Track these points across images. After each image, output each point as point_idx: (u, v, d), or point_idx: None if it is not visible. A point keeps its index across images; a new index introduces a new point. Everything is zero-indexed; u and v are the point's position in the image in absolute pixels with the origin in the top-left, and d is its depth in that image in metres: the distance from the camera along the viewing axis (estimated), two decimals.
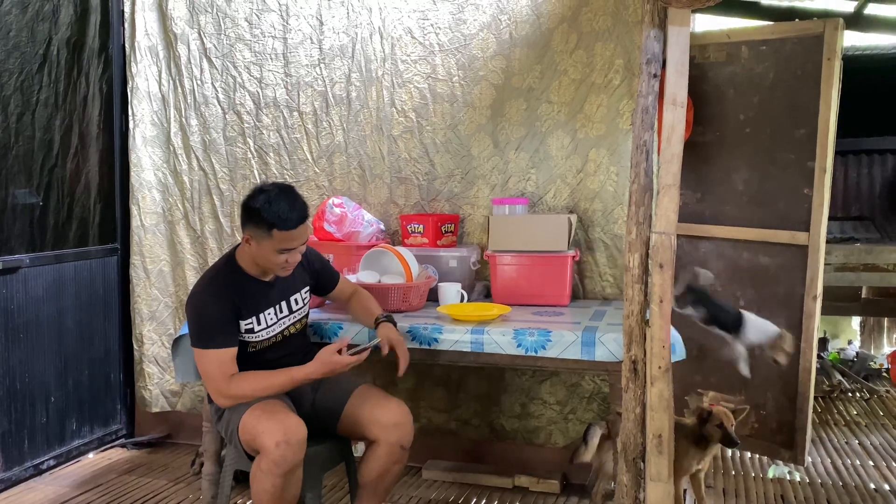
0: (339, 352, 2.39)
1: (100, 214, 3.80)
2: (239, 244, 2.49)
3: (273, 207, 2.33)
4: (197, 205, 3.76)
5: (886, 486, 3.31)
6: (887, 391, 4.93)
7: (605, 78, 3.19)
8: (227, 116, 3.69)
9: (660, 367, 2.16)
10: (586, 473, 3.17)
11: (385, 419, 2.48)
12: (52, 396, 3.49)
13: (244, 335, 2.46)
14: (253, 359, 2.49)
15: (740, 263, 3.46)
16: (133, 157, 3.76)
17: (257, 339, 2.49)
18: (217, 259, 2.63)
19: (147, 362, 3.84)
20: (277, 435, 2.24)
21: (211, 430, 2.93)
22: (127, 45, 3.76)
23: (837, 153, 4.89)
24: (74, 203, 3.67)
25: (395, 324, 2.64)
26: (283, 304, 2.56)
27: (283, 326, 2.56)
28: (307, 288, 2.67)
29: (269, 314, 2.51)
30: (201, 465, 3.06)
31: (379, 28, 3.46)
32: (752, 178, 3.42)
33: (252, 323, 2.46)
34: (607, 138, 3.20)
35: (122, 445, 3.86)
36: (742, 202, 3.44)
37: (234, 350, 2.40)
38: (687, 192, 3.49)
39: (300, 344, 2.65)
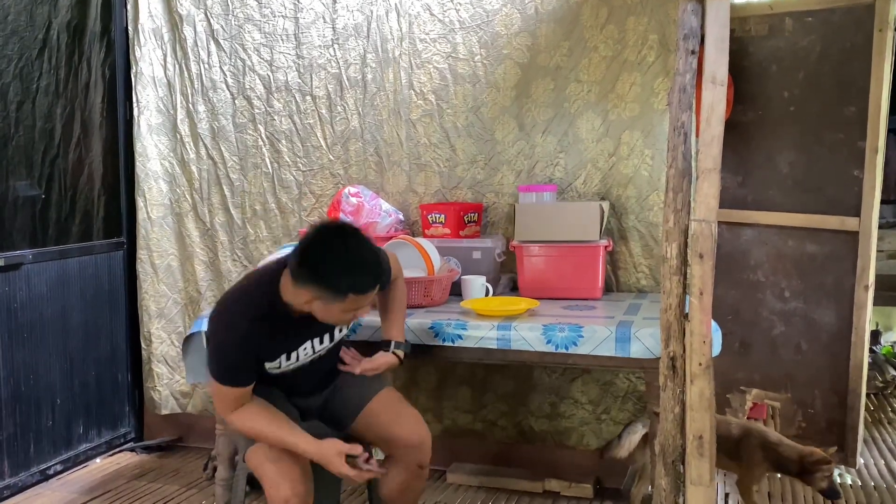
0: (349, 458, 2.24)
1: (104, 207, 3.84)
2: (282, 271, 2.22)
3: (353, 272, 2.11)
4: (206, 196, 3.78)
5: None
6: None
7: (639, 55, 3.16)
8: (236, 102, 3.71)
9: (700, 364, 2.14)
10: (621, 477, 3.18)
11: (402, 439, 2.43)
12: (57, 398, 3.54)
13: (268, 369, 2.30)
14: (275, 382, 2.37)
15: (785, 252, 3.43)
16: (138, 146, 3.79)
17: (283, 370, 2.33)
18: (249, 272, 2.42)
19: (156, 362, 3.88)
20: (284, 490, 2.20)
21: (224, 432, 2.96)
22: (130, 28, 3.79)
23: (890, 131, 4.82)
24: (77, 195, 3.71)
25: (402, 357, 2.55)
26: (327, 335, 2.38)
27: (320, 353, 2.40)
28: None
29: (305, 348, 2.33)
30: (214, 469, 3.10)
31: (395, 5, 3.46)
32: (798, 159, 3.38)
33: (280, 361, 2.30)
34: (641, 119, 3.18)
35: (132, 449, 3.91)
36: (787, 186, 3.41)
37: (251, 386, 2.25)
38: (727, 175, 3.45)
39: (330, 362, 2.51)
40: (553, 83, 3.29)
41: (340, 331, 2.41)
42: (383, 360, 2.52)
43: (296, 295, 2.16)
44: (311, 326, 2.28)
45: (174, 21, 3.75)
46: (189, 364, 3.00)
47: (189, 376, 3.02)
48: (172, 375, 3.89)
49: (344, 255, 2.11)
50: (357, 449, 2.24)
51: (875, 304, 3.51)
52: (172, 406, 3.91)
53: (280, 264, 2.25)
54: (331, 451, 2.21)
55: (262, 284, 2.26)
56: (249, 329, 2.18)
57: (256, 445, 2.30)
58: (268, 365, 2.28)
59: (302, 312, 2.20)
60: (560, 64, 3.27)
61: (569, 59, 3.25)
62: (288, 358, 2.30)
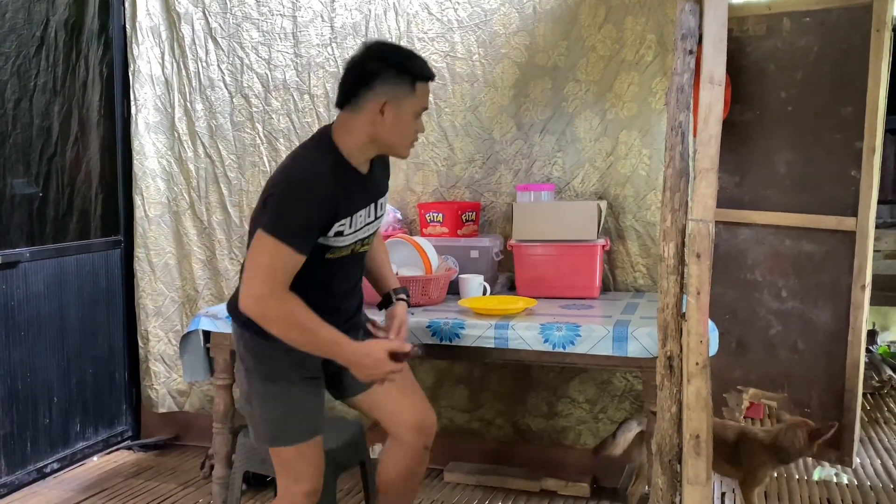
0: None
1: (101, 205, 3.84)
2: (326, 127, 2.19)
3: (408, 54, 2.12)
4: (203, 194, 3.79)
5: None
6: None
7: (637, 54, 3.17)
8: (234, 100, 3.71)
9: (697, 364, 2.15)
10: (618, 476, 3.19)
11: (408, 418, 2.42)
12: (54, 397, 3.54)
13: (331, 239, 2.12)
14: (314, 272, 2.14)
15: (782, 251, 3.44)
16: (136, 145, 3.79)
17: (341, 245, 2.17)
18: (288, 167, 2.17)
19: (153, 360, 3.88)
20: (309, 483, 2.25)
21: (221, 431, 2.97)
22: (128, 26, 3.79)
23: (887, 131, 4.83)
24: (75, 193, 3.71)
25: (409, 302, 2.50)
26: (373, 205, 2.25)
27: (365, 235, 2.25)
28: (387, 193, 2.38)
29: (360, 216, 2.19)
30: (211, 467, 3.11)
31: (394, 4, 3.46)
32: (795, 159, 3.39)
33: (345, 225, 2.13)
34: (639, 119, 3.19)
35: (129, 448, 3.91)
36: (784, 186, 3.41)
37: (304, 260, 2.07)
38: (724, 175, 3.46)
39: (358, 269, 2.37)
40: (551, 82, 3.29)
41: (381, 209, 2.30)
42: (401, 310, 2.42)
43: (358, 124, 2.11)
44: (366, 190, 2.20)
45: (172, 19, 3.75)
46: (186, 362, 3.00)
47: (186, 374, 3.03)
48: (170, 374, 3.89)
49: (396, 45, 2.21)
50: (407, 347, 2.23)
51: (872, 303, 3.53)
52: (169, 404, 3.91)
53: (323, 130, 2.21)
54: (379, 351, 2.16)
55: (314, 140, 2.20)
56: (325, 180, 2.06)
57: (289, 446, 2.25)
58: (336, 227, 2.11)
59: (356, 165, 2.15)
60: (558, 63, 3.27)
61: (567, 59, 3.26)
62: (350, 225, 2.15)
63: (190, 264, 3.83)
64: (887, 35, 3.16)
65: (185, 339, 2.99)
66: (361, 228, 2.21)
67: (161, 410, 3.91)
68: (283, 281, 2.04)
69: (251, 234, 2.13)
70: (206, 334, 2.94)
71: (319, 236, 2.10)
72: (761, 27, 3.40)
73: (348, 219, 2.14)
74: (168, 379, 3.90)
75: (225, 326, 2.88)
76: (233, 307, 2.23)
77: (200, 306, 3.75)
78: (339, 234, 2.13)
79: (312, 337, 2.09)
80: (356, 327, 2.39)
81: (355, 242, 2.22)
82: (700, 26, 2.17)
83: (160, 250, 3.84)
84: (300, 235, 2.04)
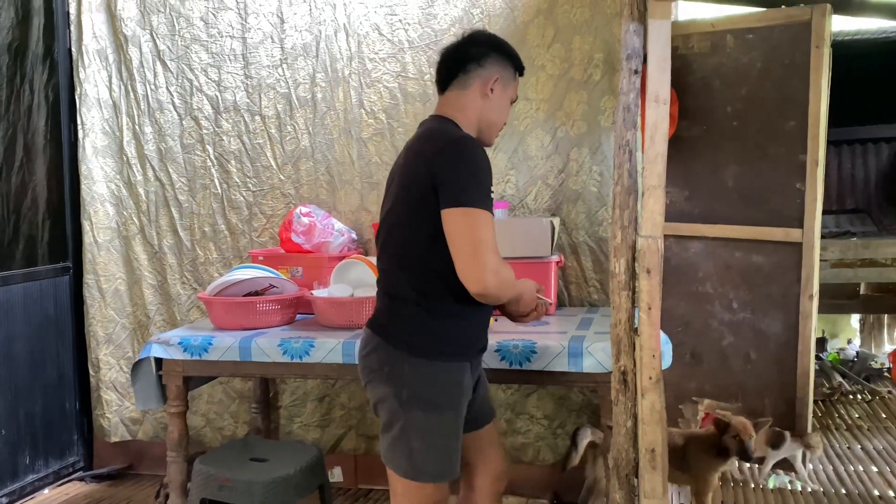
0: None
1: (49, 231, 3.77)
2: (432, 116, 2.16)
3: (510, 45, 2.20)
4: (154, 218, 3.74)
5: (891, 493, 3.36)
6: (889, 392, 5.01)
7: (585, 73, 3.22)
8: (183, 122, 3.68)
9: (650, 378, 2.18)
10: (577, 492, 3.20)
11: (495, 465, 2.35)
12: (1, 429, 3.45)
13: None
14: None
15: (732, 263, 3.51)
16: (83, 169, 3.74)
17: None
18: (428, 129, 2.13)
19: (105, 389, 3.81)
20: None
21: (176, 459, 2.93)
22: (74, 49, 3.74)
23: (830, 143, 4.96)
24: (21, 220, 3.64)
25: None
26: None
27: None
28: None
29: None
30: (166, 496, 3.05)
31: (344, 25, 3.47)
32: (742, 173, 3.46)
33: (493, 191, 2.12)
34: (589, 137, 3.24)
35: (81, 479, 3.82)
36: (732, 199, 3.49)
37: None
38: (674, 189, 3.53)
39: None
40: None
41: None
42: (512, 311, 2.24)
43: (469, 100, 2.12)
44: None
45: (119, 42, 3.71)
46: (139, 390, 2.96)
47: (139, 402, 2.98)
48: (122, 402, 3.82)
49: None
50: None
51: (821, 312, 3.61)
52: (122, 433, 3.84)
53: (432, 117, 2.17)
54: (534, 293, 2.18)
55: (445, 122, 2.13)
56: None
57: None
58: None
59: (474, 136, 2.13)
60: None
61: None
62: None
63: (141, 290, 3.77)
64: (826, 51, 3.26)
65: (137, 366, 2.95)
66: None
67: (114, 439, 3.83)
68: (497, 249, 2.00)
69: (395, 224, 2.08)
70: (159, 361, 2.90)
71: None
72: (706, 44, 3.48)
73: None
74: (120, 407, 3.82)
75: (177, 353, 2.85)
76: (382, 328, 2.10)
77: (152, 332, 3.69)
78: None
79: (517, 284, 2.10)
80: None
81: None
82: (645, 46, 2.22)
83: (110, 276, 3.78)
84: (490, 199, 2.00)
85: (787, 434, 3.33)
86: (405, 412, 2.03)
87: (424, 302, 2.05)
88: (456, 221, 1.93)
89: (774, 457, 3.36)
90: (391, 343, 2.06)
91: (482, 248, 1.92)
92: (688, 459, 2.82)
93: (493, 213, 1.98)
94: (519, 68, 2.21)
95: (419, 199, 2.00)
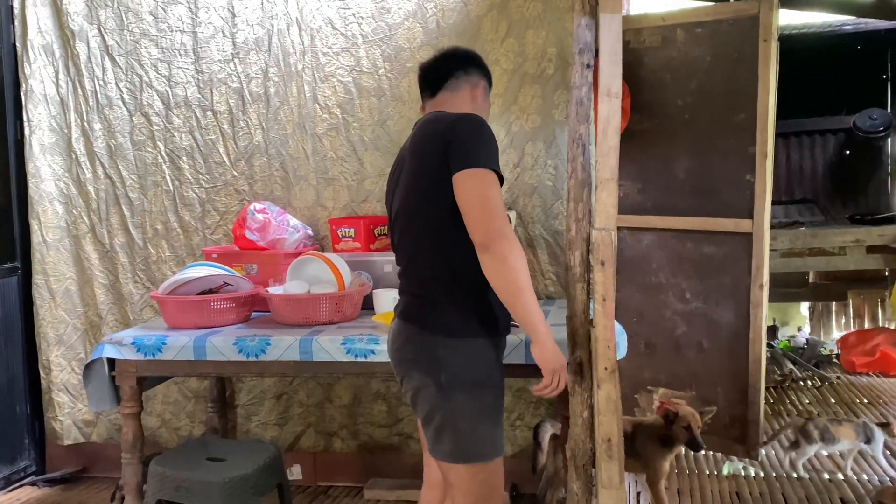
0: None
1: None
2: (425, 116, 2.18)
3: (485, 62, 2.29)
4: (104, 216, 3.67)
5: (840, 476, 3.45)
6: (838, 377, 5.14)
7: (539, 67, 3.24)
8: (133, 119, 3.62)
9: (606, 369, 2.21)
10: (536, 483, 3.23)
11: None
12: None
13: None
14: None
15: (684, 254, 3.56)
16: (30, 167, 3.65)
17: None
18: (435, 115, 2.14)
19: (56, 391, 3.73)
20: (501, 498, 2.13)
21: (131, 461, 2.89)
22: (18, 45, 3.65)
23: (779, 135, 5.07)
24: None
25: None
26: None
27: None
28: None
29: None
30: (122, 499, 3.01)
31: (297, 19, 3.44)
32: (694, 166, 3.52)
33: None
34: (543, 130, 3.25)
35: (33, 483, 3.75)
36: (684, 191, 3.54)
37: None
38: (627, 182, 3.57)
39: None
40: None
41: None
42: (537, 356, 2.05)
43: (460, 101, 2.18)
44: None
45: (66, 37, 3.62)
46: (91, 391, 2.91)
47: (92, 404, 2.94)
48: (74, 404, 3.74)
49: None
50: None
51: (771, 300, 3.69)
52: (75, 436, 3.76)
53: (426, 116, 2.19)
54: (562, 358, 2.02)
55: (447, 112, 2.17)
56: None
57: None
58: None
59: None
60: None
61: None
62: None
63: (92, 289, 3.70)
64: (774, 44, 3.32)
65: (89, 367, 2.89)
66: None
67: (67, 442, 3.76)
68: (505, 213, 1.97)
69: (412, 210, 2.08)
70: (111, 362, 2.85)
71: None
72: (657, 38, 3.52)
73: None
74: (73, 409, 3.75)
75: (130, 353, 2.80)
76: (416, 315, 2.08)
77: (105, 333, 3.63)
78: None
79: (528, 289, 1.95)
80: None
81: None
82: (596, 41, 2.24)
83: (60, 276, 3.70)
84: (497, 164, 2.00)
85: (875, 425, 3.47)
86: (446, 396, 2.02)
87: (457, 278, 2.04)
88: (465, 181, 1.95)
89: (874, 450, 3.47)
90: (427, 329, 2.05)
91: (490, 202, 1.93)
92: (636, 447, 2.87)
93: (502, 178, 1.99)
94: (491, 84, 2.31)
95: (436, 170, 2.00)
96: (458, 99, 2.19)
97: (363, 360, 2.68)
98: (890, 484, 3.33)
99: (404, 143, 2.21)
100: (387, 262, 3.20)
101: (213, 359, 2.76)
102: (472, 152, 1.97)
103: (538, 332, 1.98)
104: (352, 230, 3.27)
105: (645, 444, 2.86)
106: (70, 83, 3.65)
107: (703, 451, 3.00)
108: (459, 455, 2.04)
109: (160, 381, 3.25)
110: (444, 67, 2.22)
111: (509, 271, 1.92)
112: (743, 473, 3.51)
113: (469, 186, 1.95)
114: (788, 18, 5.74)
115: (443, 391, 2.01)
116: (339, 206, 3.49)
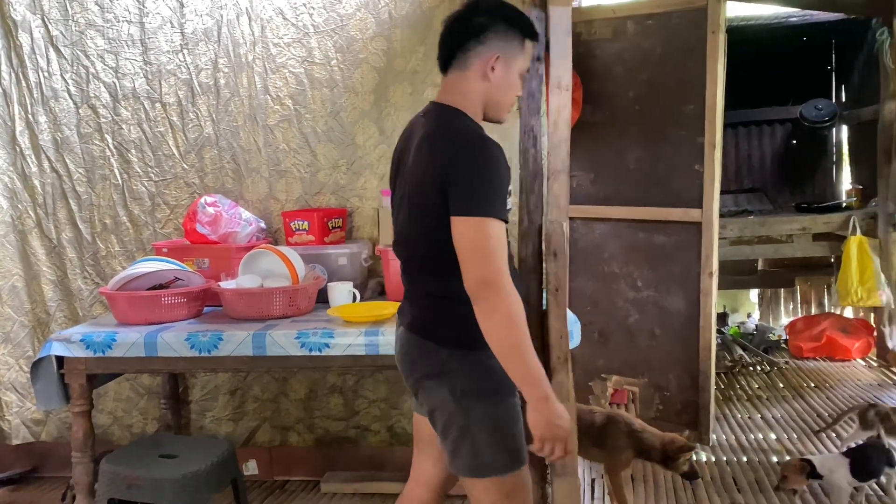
0: None
1: None
2: (432, 103, 2.00)
3: (517, 9, 1.93)
4: (51, 211, 3.59)
5: (788, 458, 3.54)
6: (787, 362, 5.26)
7: None
8: (80, 111, 3.54)
9: (559, 358, 2.23)
10: None
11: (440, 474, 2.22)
12: None
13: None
14: None
15: (636, 244, 3.61)
16: None
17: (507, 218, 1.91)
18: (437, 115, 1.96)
19: (4, 390, 3.64)
20: None
21: (82, 459, 2.85)
22: None
23: (728, 125, 5.16)
24: None
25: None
26: None
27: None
28: None
29: None
30: (73, 498, 2.97)
31: (246, 9, 3.39)
32: (644, 156, 3.57)
33: (510, 191, 1.92)
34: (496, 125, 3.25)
35: None
36: (636, 181, 3.59)
37: None
38: (580, 173, 3.61)
39: None
40: (411, 87, 3.32)
41: None
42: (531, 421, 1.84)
43: (470, 83, 1.93)
44: None
45: (7, 27, 3.52)
46: (40, 390, 2.86)
47: (40, 403, 2.88)
48: (23, 403, 3.66)
49: (507, 2, 1.95)
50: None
51: (721, 287, 3.77)
52: (24, 435, 3.68)
53: (432, 104, 2.00)
54: (568, 418, 1.84)
55: (457, 113, 1.95)
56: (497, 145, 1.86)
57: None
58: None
59: (479, 121, 1.97)
60: (416, 68, 3.30)
61: (425, 64, 3.29)
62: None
63: (39, 286, 3.61)
64: (721, 36, 3.38)
65: (37, 365, 2.84)
66: None
67: (15, 442, 3.68)
68: (506, 259, 1.81)
69: (415, 212, 1.93)
70: (60, 360, 2.80)
71: None
72: (608, 30, 3.56)
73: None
74: (21, 408, 3.67)
75: (79, 350, 2.75)
76: (428, 328, 1.97)
77: (53, 330, 3.55)
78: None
79: (522, 345, 1.77)
80: None
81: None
82: (547, 33, 2.25)
83: (6, 272, 3.61)
84: (503, 200, 1.82)
85: None
86: (463, 408, 1.92)
87: (465, 292, 1.84)
88: (461, 227, 1.80)
89: None
90: (440, 343, 1.94)
91: (482, 250, 1.78)
92: (605, 438, 2.91)
93: (507, 221, 1.84)
94: (530, 35, 1.97)
95: (435, 205, 1.85)
96: (468, 82, 1.94)
97: (318, 353, 2.67)
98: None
99: (406, 129, 2.07)
100: (341, 254, 3.19)
101: (165, 355, 2.73)
102: (473, 197, 1.79)
103: (531, 396, 1.79)
104: (305, 223, 3.24)
105: (616, 437, 2.91)
106: (13, 75, 3.55)
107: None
108: (480, 469, 1.93)
109: (111, 378, 3.20)
110: (456, 35, 1.94)
111: (498, 326, 1.77)
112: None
113: (463, 232, 1.80)
114: (736, 10, 5.83)
115: (459, 401, 1.92)
116: (292, 198, 3.46)
